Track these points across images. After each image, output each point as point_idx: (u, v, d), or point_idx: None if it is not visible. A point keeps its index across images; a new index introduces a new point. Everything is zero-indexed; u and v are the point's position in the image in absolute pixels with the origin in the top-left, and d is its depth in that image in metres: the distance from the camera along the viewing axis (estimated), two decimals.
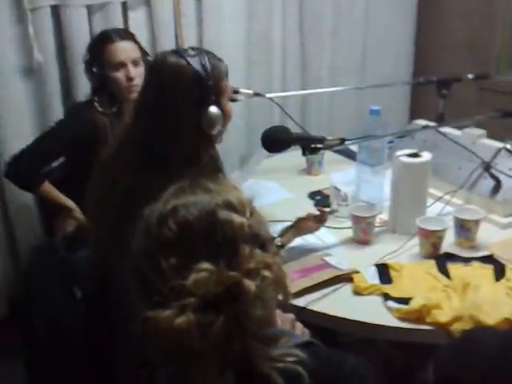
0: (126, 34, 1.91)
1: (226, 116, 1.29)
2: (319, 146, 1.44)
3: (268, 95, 1.78)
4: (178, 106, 1.23)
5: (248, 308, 0.70)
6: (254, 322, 0.70)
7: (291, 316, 0.96)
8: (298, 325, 0.97)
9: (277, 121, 2.49)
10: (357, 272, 1.37)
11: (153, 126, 1.24)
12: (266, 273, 0.72)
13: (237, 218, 0.75)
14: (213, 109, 1.24)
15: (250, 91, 1.72)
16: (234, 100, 1.63)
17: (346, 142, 1.49)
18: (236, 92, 1.64)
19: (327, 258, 1.43)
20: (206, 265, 0.70)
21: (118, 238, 1.08)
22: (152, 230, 0.75)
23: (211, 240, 0.73)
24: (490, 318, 1.16)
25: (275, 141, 1.46)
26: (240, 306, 0.69)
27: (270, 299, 0.74)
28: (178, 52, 1.26)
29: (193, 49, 1.28)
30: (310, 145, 1.44)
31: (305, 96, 2.72)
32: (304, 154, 1.46)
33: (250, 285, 0.70)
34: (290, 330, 0.92)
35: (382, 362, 1.58)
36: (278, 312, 0.87)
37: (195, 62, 1.22)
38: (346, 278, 1.36)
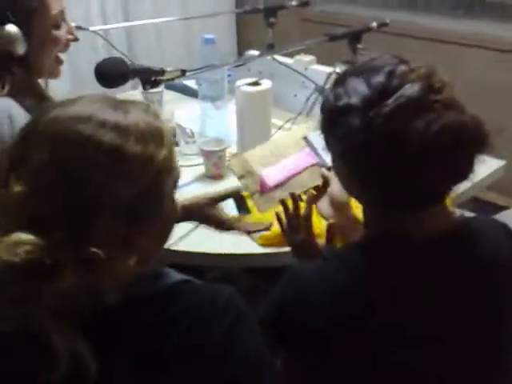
0: None
1: (47, 43, 1.15)
2: (160, 78, 1.34)
3: (91, 28, 1.60)
4: None
5: None
6: None
7: None
8: None
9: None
10: None
11: None
12: None
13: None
14: (9, 27, 1.08)
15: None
16: None
17: (188, 73, 1.42)
18: None
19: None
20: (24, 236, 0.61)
21: None
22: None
23: None
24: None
25: (110, 74, 1.30)
26: None
27: None
28: None
29: None
30: (149, 78, 1.32)
31: (130, 33, 2.58)
32: (144, 88, 1.35)
33: None
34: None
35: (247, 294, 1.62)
36: None
37: None
38: None
